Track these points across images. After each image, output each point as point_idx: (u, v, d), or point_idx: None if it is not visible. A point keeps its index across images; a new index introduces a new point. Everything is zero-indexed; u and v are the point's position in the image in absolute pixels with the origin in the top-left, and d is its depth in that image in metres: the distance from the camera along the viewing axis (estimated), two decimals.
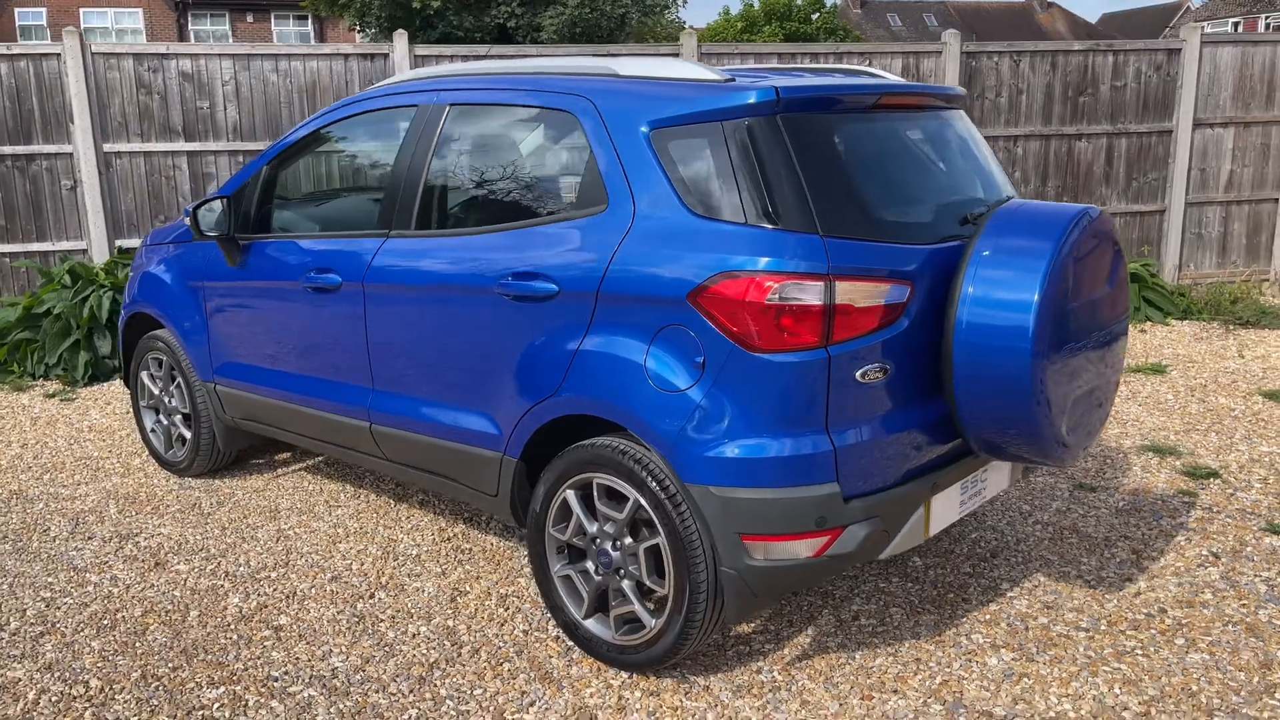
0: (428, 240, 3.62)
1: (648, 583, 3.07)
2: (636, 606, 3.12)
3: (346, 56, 7.64)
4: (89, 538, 4.29)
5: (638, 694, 3.09)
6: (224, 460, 4.94)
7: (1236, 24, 48.22)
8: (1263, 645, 3.30)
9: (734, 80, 3.07)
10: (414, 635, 3.45)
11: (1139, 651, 3.29)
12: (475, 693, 3.11)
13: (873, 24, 57.43)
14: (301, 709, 3.03)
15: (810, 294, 2.74)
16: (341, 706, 3.04)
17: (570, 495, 3.24)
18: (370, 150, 4.29)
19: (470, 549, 4.11)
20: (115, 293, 6.94)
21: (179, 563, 4.04)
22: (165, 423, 5.00)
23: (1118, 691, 3.06)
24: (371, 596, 3.72)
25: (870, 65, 7.99)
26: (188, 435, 4.86)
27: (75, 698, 3.10)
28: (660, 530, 2.99)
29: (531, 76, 3.49)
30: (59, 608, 3.68)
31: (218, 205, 4.24)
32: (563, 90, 3.34)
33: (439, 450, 3.66)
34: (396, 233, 3.72)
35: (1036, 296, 2.82)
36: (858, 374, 2.83)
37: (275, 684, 3.17)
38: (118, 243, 7.51)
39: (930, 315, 2.99)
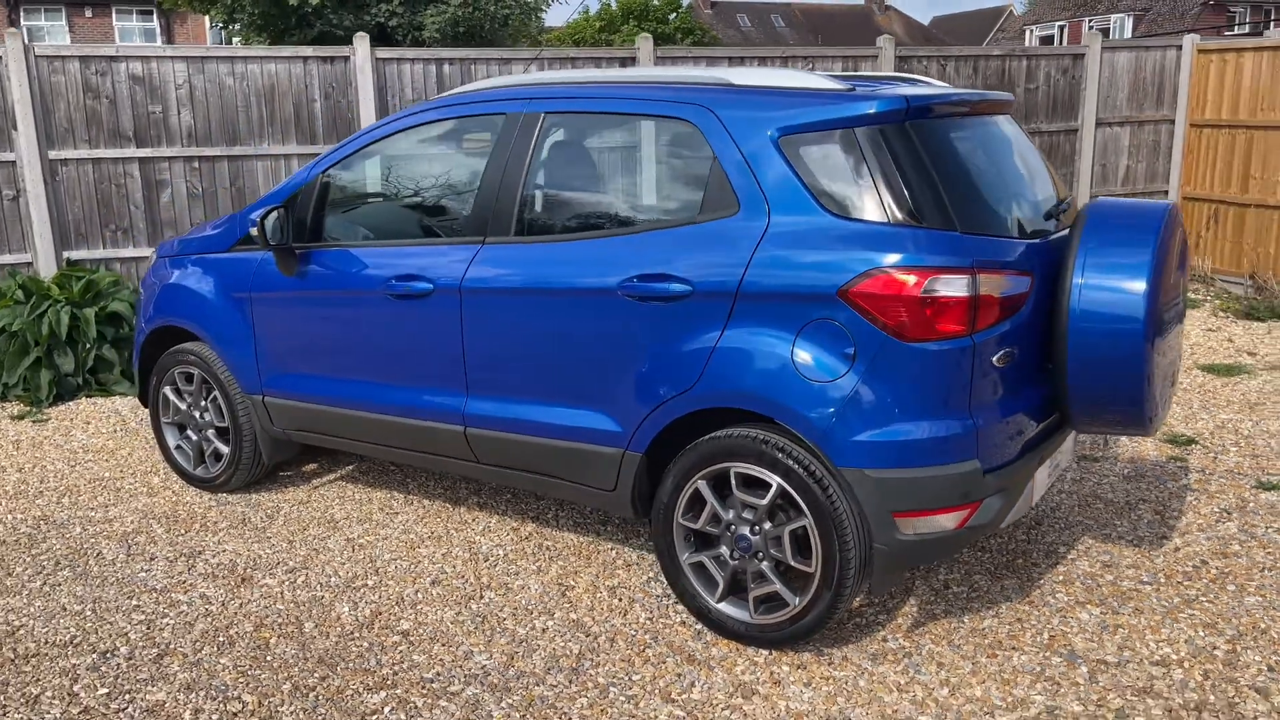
0: (532, 246, 3.70)
1: (793, 563, 3.26)
2: (779, 586, 3.31)
3: (305, 59, 7.49)
4: (151, 558, 4.17)
5: (785, 668, 3.28)
6: (261, 473, 4.85)
7: (1062, 27, 51.50)
8: None
9: (855, 90, 3.30)
10: (544, 630, 3.54)
11: (1203, 599, 3.68)
12: (633, 678, 3.24)
13: (723, 24, 58.70)
14: (471, 707, 3.10)
15: (957, 287, 3.00)
16: (510, 701, 3.12)
17: (702, 485, 3.40)
18: (449, 157, 4.31)
19: (554, 545, 4.21)
20: (74, 307, 6.62)
21: (264, 577, 3.99)
22: (195, 438, 4.87)
23: (1202, 634, 3.44)
24: (480, 597, 3.79)
25: (813, 68, 8.37)
26: (224, 450, 4.76)
27: (236, 714, 3.08)
28: (807, 513, 3.19)
29: (639, 86, 3.63)
30: (162, 629, 3.60)
31: (278, 214, 4.18)
32: (678, 100, 3.49)
33: (546, 450, 3.75)
34: (494, 239, 3.79)
35: (1146, 284, 3.16)
36: (994, 359, 3.11)
37: (434, 685, 3.22)
38: (66, 254, 7.15)
39: (1041, 303, 3.29)
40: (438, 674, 3.28)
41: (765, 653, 3.38)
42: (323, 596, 3.82)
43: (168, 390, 4.90)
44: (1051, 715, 3.02)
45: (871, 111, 3.17)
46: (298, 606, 3.75)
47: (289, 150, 7.52)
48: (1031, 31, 52.74)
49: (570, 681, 3.23)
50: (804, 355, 3.15)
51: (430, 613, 3.68)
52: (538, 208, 3.78)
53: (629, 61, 8.14)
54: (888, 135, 3.17)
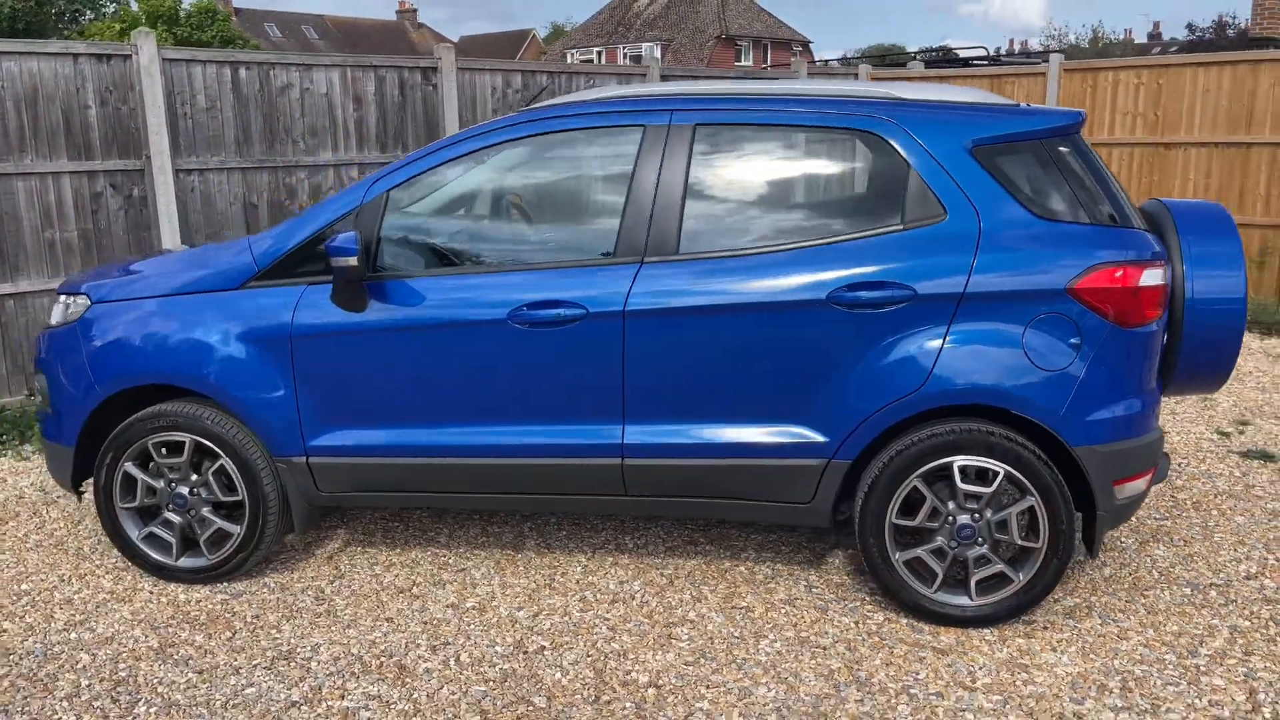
0: (708, 263, 3.57)
1: (1022, 542, 3.52)
2: (1003, 566, 3.55)
3: (77, 57, 6.18)
4: (235, 670, 3.37)
5: (1020, 641, 3.53)
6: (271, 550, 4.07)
7: (600, 52, 55.64)
8: None
9: (1021, 105, 3.63)
10: (782, 653, 3.45)
11: None
12: (916, 677, 3.30)
13: (251, 32, 55.63)
14: None
15: (1156, 277, 3.45)
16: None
17: (919, 483, 3.54)
18: (569, 171, 3.90)
19: (672, 572, 4.05)
20: None
21: (418, 665, 3.41)
22: (178, 521, 3.94)
23: None
24: (676, 635, 3.57)
25: (593, 82, 8.56)
26: (232, 529, 3.92)
27: None
28: (1035, 493, 3.47)
29: (806, 100, 3.65)
30: None
31: (355, 238, 3.56)
32: (859, 113, 3.58)
33: (725, 471, 3.64)
34: (656, 258, 3.59)
35: (1242, 270, 3.83)
36: (1164, 338, 3.61)
37: None
38: None
39: None
40: (760, 715, 3.08)
41: (985, 632, 3.58)
42: (512, 668, 3.37)
43: (130, 468, 3.92)
44: (1233, 633, 3.57)
45: (1057, 124, 3.52)
46: (500, 685, 3.27)
47: (59, 168, 6.17)
48: (572, 54, 56.35)
49: (868, 694, 3.21)
50: (1035, 347, 3.42)
51: (649, 659, 3.41)
52: (704, 223, 3.63)
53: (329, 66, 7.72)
54: (1070, 145, 3.54)
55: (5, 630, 3.67)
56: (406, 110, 7.68)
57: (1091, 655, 3.42)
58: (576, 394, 3.67)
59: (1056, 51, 16.87)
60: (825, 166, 3.70)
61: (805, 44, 58.20)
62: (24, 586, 4.01)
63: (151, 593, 3.94)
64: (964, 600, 3.59)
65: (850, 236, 3.54)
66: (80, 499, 4.22)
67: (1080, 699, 3.17)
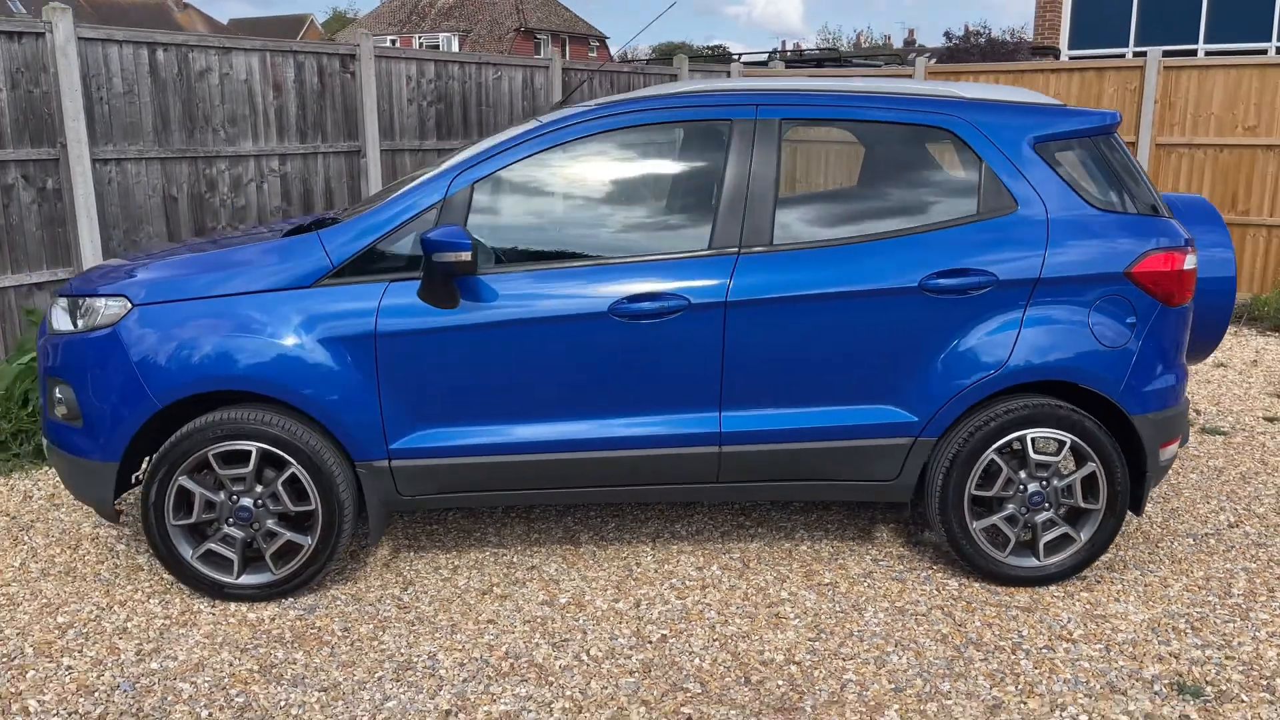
0: (802, 253, 3.70)
1: (1083, 505, 3.86)
2: (1067, 528, 3.88)
3: None
4: (376, 681, 3.23)
5: (1084, 595, 3.87)
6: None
7: (394, 40, 54.11)
8: None
9: (1067, 105, 3.97)
10: (893, 624, 3.64)
11: None
12: (1023, 634, 3.57)
13: None
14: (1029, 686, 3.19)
15: (1192, 261, 3.87)
16: (1025, 673, 3.28)
17: (995, 455, 3.82)
18: (656, 164, 3.88)
19: (752, 561, 4.17)
20: None
21: (553, 663, 3.37)
22: (240, 536, 3.70)
23: None
24: (822, 623, 3.70)
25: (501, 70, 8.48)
26: (302, 541, 3.71)
27: None
28: (1096, 460, 3.82)
29: (883, 97, 3.83)
30: None
31: (462, 233, 3.46)
32: (934, 109, 3.81)
33: (820, 453, 3.79)
34: (753, 249, 3.69)
35: (1233, 255, 4.33)
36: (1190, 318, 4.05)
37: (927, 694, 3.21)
38: None
39: None
40: (906, 680, 3.25)
41: (1055, 589, 3.91)
42: (649, 658, 3.39)
43: (185, 481, 3.64)
44: (1248, 575, 4.06)
45: (1102, 124, 3.88)
46: (647, 674, 3.29)
47: None
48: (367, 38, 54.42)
49: (989, 653, 3.45)
50: (1099, 327, 3.76)
51: (773, 638, 3.52)
52: (796, 214, 3.75)
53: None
54: (1115, 142, 3.91)
55: (70, 666, 3.34)
56: (326, 98, 7.34)
57: (1150, 603, 3.80)
58: (676, 384, 3.71)
59: (923, 54, 17.93)
60: (904, 160, 3.90)
61: (602, 40, 58.88)
62: (60, 619, 3.64)
63: (213, 614, 3.67)
64: (1033, 561, 3.89)
65: (933, 226, 3.76)
66: (117, 519, 3.86)
67: (1166, 640, 3.53)
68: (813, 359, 3.73)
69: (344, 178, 7.53)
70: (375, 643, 3.50)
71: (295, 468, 3.64)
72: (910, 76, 10.70)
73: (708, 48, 55.48)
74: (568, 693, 3.21)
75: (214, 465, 3.63)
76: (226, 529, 3.70)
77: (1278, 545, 4.31)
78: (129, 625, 3.60)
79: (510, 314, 3.63)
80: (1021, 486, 3.84)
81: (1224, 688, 3.25)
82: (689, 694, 3.20)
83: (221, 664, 3.35)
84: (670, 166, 3.97)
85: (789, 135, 3.80)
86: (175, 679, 3.27)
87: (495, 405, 3.70)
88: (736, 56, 22.58)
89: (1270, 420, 6.05)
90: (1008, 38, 37.22)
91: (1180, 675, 3.32)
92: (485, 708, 3.13)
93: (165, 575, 3.95)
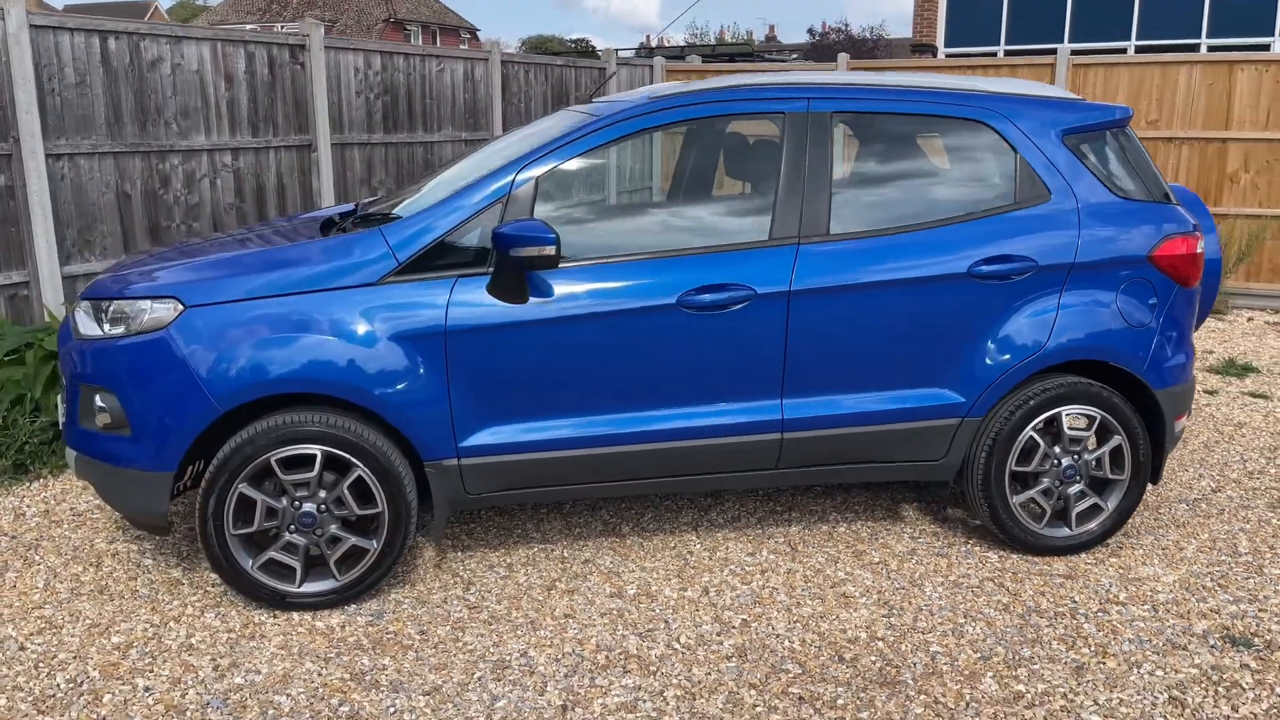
0: (858, 242, 3.82)
1: (1110, 476, 4.11)
2: (1097, 499, 4.13)
3: None
4: (475, 684, 3.19)
5: (1113, 560, 4.12)
6: None
7: (254, 28, 52.08)
8: None
9: (1081, 99, 4.21)
10: (981, 598, 3.81)
11: None
12: (1075, 600, 3.78)
13: None
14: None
15: (1201, 245, 4.16)
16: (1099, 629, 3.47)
17: (1033, 432, 4.03)
18: (712, 156, 3.90)
19: (804, 543, 4.27)
20: None
21: (648, 653, 3.40)
22: (302, 543, 3.58)
23: None
24: (889, 600, 3.82)
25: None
26: (367, 545, 3.62)
27: None
28: (1121, 433, 4.08)
29: (925, 91, 3.98)
30: None
31: (544, 226, 3.45)
32: (970, 104, 3.98)
33: (874, 436, 3.93)
34: (811, 238, 3.79)
35: (1217, 233, 4.67)
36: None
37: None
38: None
39: None
40: (989, 648, 3.41)
41: (1086, 556, 4.14)
42: (739, 643, 3.45)
43: (245, 489, 3.51)
44: (1247, 535, 4.40)
45: (1119, 117, 4.13)
46: (744, 659, 3.36)
47: None
48: (317, 28, 52.27)
49: (1051, 619, 3.64)
50: (1126, 308, 4.00)
51: (848, 617, 3.63)
52: (850, 204, 3.86)
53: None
54: (1127, 133, 4.17)
55: (147, 687, 3.18)
56: (277, 90, 7.09)
57: (1174, 565, 4.08)
58: (740, 373, 3.78)
59: (843, 50, 18.33)
60: (946, 151, 4.06)
61: (473, 31, 58.13)
62: (115, 639, 3.45)
63: (277, 625, 3.55)
64: (1065, 531, 4.12)
65: (975, 215, 3.93)
66: (169, 531, 3.68)
67: (1202, 598, 3.80)
68: (869, 345, 3.85)
69: (295, 173, 7.28)
70: (459, 644, 3.45)
71: (361, 470, 3.55)
72: (834, 69, 11.01)
73: (571, 41, 55.53)
74: (674, 680, 3.24)
75: (276, 471, 3.51)
76: (289, 536, 3.57)
77: (1259, 506, 4.67)
78: (193, 641, 3.44)
79: (580, 307, 3.62)
80: (1056, 461, 4.05)
81: (1269, 638, 3.52)
82: (791, 674, 3.28)
83: (309, 675, 3.25)
84: (726, 158, 4.02)
85: (845, 126, 3.91)
86: (267, 693, 3.15)
87: (564, 399, 3.69)
88: (620, 51, 22.69)
89: (1211, 394, 6.51)
90: (867, 35, 38.58)
91: (1227, 629, 3.58)
92: (599, 700, 3.13)
93: (210, 588, 3.79)
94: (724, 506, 4.59)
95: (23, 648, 3.40)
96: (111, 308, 3.64)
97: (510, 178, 3.65)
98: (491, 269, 3.57)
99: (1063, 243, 3.93)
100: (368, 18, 52.26)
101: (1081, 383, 3.99)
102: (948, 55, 22.48)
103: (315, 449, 3.51)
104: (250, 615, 3.61)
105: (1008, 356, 3.92)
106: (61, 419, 3.90)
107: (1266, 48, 19.37)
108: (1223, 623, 3.62)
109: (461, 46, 54.77)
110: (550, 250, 3.40)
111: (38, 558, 4.06)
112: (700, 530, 4.35)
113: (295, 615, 3.62)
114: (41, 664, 3.30)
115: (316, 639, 3.46)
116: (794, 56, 14.67)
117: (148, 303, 3.53)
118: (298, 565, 3.59)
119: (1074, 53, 10.20)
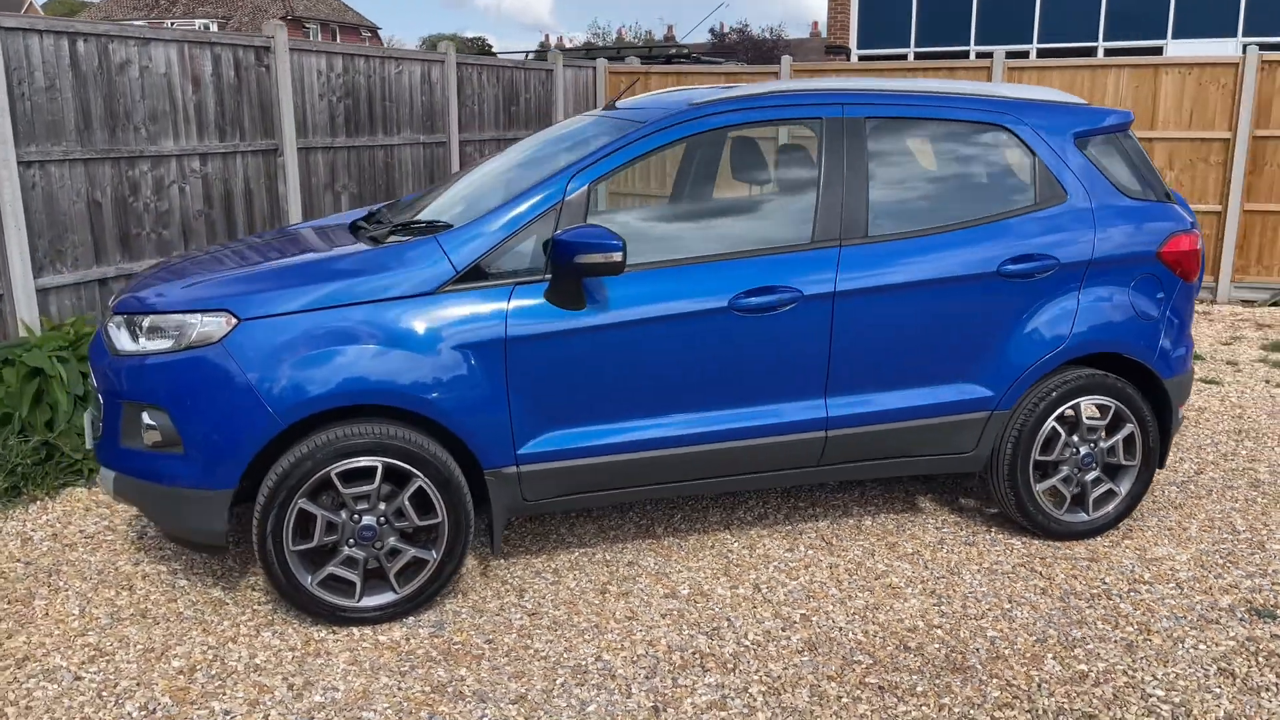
0: (895, 244, 3.94)
1: (1123, 462, 4.32)
2: (1111, 484, 4.34)
3: None
4: (560, 690, 3.20)
5: (1128, 543, 4.34)
6: None
7: (141, 24, 50.17)
8: None
9: (1088, 103, 4.42)
10: (1019, 583, 3.96)
11: None
12: (1106, 581, 3.98)
13: None
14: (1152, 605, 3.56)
15: (1200, 241, 4.41)
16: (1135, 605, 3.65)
17: (1054, 423, 4.21)
18: (754, 161, 3.94)
19: (844, 536, 4.38)
20: None
21: (720, 651, 3.45)
22: (362, 557, 3.54)
23: None
24: (933, 589, 3.94)
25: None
26: (428, 556, 3.60)
27: None
28: (1134, 421, 4.30)
29: (950, 96, 4.12)
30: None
31: (608, 233, 3.47)
32: (990, 108, 4.14)
33: (910, 432, 4.06)
34: (852, 240, 3.90)
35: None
36: None
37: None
38: None
39: None
40: (1041, 629, 3.56)
41: (1102, 539, 4.35)
42: (806, 637, 3.54)
43: (305, 504, 3.45)
44: (1239, 513, 4.68)
45: (1124, 121, 4.35)
46: (816, 652, 3.44)
47: None
48: (281, 29, 50.15)
49: (1090, 600, 3.82)
50: (1138, 303, 4.22)
51: (900, 607, 3.75)
52: (885, 206, 3.97)
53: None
54: (1130, 135, 4.40)
55: (226, 710, 3.10)
56: (243, 93, 6.90)
57: (1183, 544, 4.32)
58: (788, 373, 3.86)
59: (786, 53, 18.51)
60: (970, 154, 4.20)
61: (374, 30, 57.07)
62: (175, 664, 3.35)
63: (338, 641, 3.49)
64: (1083, 516, 4.32)
65: (1000, 216, 4.09)
66: (226, 550, 3.58)
67: (1218, 575, 4.04)
68: (906, 343, 3.97)
69: (262, 178, 7.10)
70: (530, 651, 3.45)
71: (421, 480, 3.52)
72: (777, 75, 11.21)
73: (466, 40, 55.01)
74: (755, 677, 3.30)
75: (336, 484, 3.45)
76: (348, 550, 3.52)
77: (1242, 486, 4.97)
78: (258, 661, 3.37)
79: (637, 312, 3.66)
80: (1075, 450, 4.25)
81: None
82: (864, 665, 3.38)
83: (389, 689, 3.21)
84: (768, 162, 4.10)
85: (878, 131, 4.02)
86: (352, 709, 3.11)
87: (618, 404, 3.72)
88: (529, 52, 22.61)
89: None
90: (767, 35, 39.22)
91: (1250, 602, 3.81)
92: (688, 700, 3.18)
93: (258, 606, 3.70)
94: (749, 505, 4.67)
95: (78, 677, 3.27)
96: (148, 322, 3.53)
97: (564, 184, 3.66)
98: (549, 276, 3.58)
99: (1081, 241, 4.13)
100: (262, 14, 50.80)
101: (1098, 375, 4.18)
102: (860, 57, 23.07)
103: (376, 461, 3.46)
104: (308, 632, 3.54)
105: (1034, 351, 4.09)
106: (92, 438, 3.76)
107: (1160, 50, 20.41)
108: (1245, 597, 3.85)
109: (364, 44, 53.85)
110: (617, 257, 3.43)
111: (62, 583, 3.90)
112: (733, 529, 4.42)
113: (355, 630, 3.56)
114: (104, 693, 3.19)
115: (384, 653, 3.42)
116: (720, 61, 14.86)
117: (197, 316, 3.44)
118: (357, 579, 3.54)
119: (980, 55, 10.59)
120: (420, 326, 3.48)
